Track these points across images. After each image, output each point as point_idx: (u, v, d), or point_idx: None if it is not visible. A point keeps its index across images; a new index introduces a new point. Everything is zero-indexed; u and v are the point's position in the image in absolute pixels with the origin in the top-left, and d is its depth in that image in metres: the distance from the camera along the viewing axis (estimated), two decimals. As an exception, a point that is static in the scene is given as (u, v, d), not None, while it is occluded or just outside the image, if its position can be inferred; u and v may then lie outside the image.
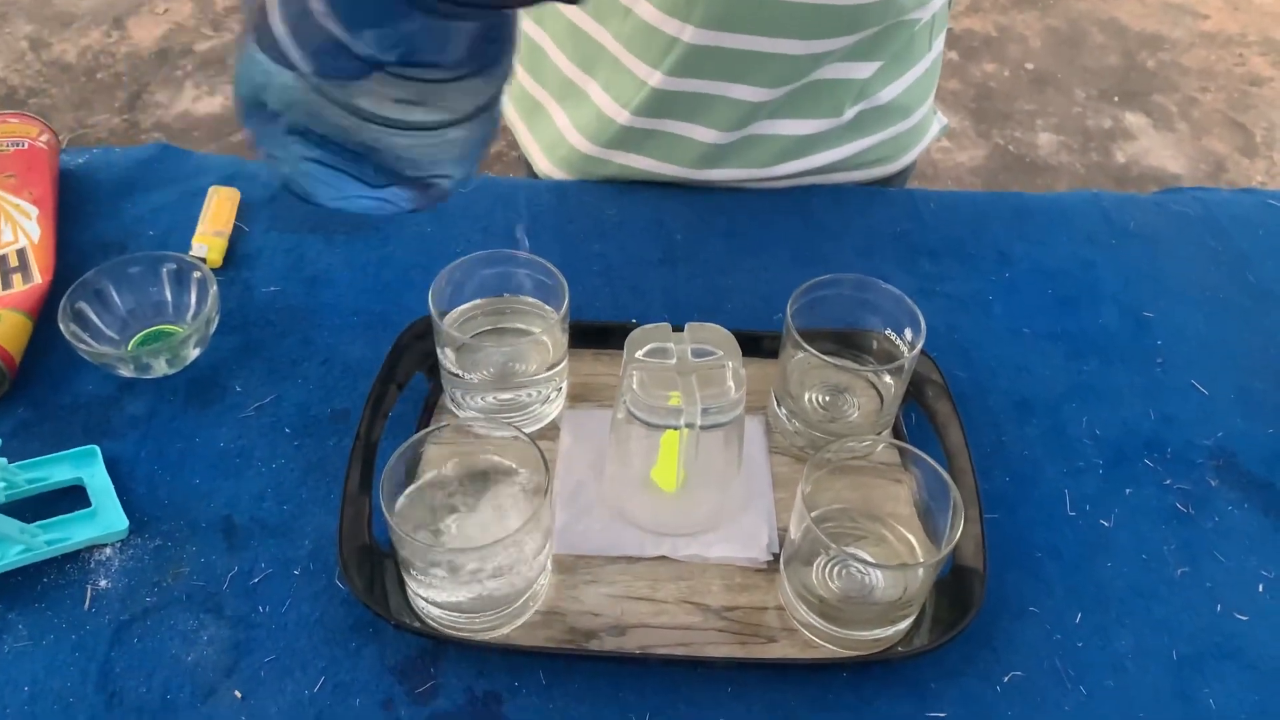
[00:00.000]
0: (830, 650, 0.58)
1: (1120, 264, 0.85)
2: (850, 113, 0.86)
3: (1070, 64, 2.72)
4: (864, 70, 0.83)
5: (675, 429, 0.59)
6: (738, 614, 0.60)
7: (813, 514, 0.55)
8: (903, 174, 0.96)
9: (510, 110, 0.98)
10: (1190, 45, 2.80)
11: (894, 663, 0.58)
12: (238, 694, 0.56)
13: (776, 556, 0.62)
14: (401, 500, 0.57)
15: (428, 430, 0.58)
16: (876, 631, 0.58)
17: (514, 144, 0.99)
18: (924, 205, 0.89)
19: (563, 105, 0.90)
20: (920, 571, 0.55)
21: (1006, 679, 0.58)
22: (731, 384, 0.59)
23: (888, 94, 0.87)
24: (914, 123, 0.92)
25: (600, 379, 0.72)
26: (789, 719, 0.56)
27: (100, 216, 0.81)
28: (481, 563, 0.54)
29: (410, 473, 0.59)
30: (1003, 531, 0.64)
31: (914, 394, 0.70)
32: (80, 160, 0.86)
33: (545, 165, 0.94)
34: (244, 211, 0.82)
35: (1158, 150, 2.46)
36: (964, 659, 0.59)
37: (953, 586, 0.60)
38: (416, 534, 0.58)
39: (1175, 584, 0.63)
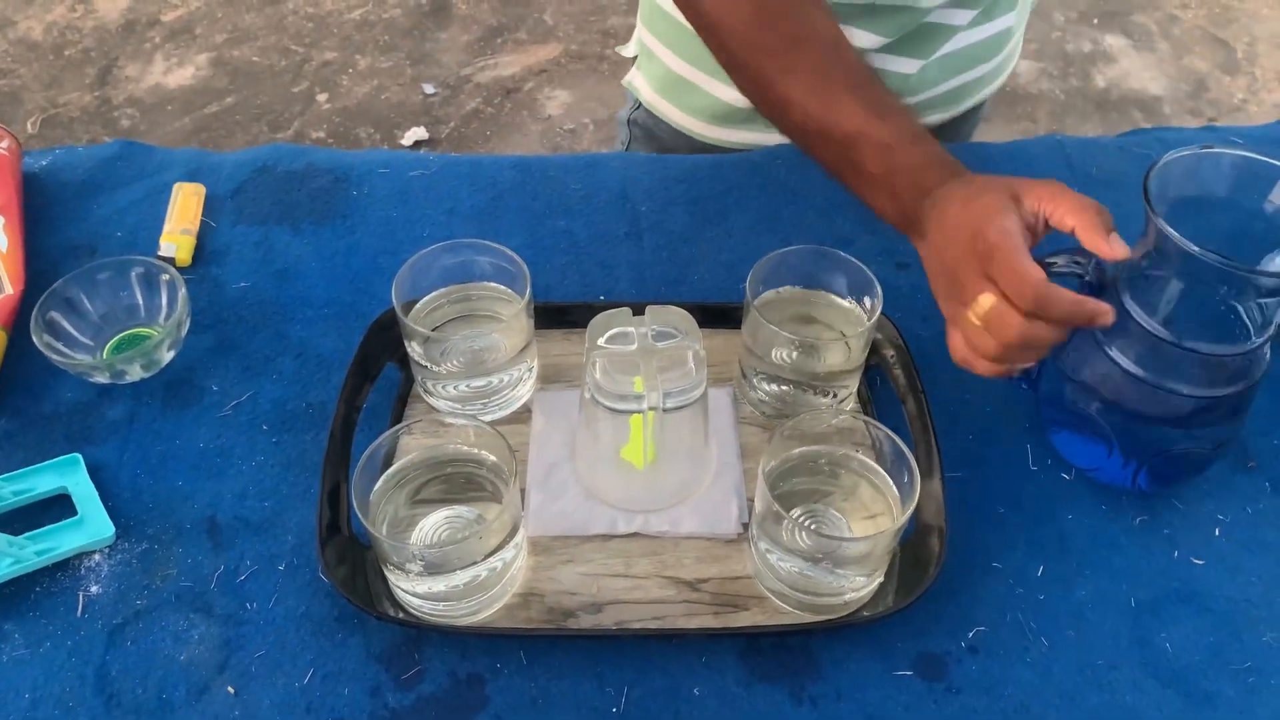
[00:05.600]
0: (799, 616, 0.60)
1: (1082, 211, 0.85)
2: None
3: (1049, -14, 2.68)
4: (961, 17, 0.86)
5: (640, 413, 0.60)
6: (710, 585, 0.62)
7: (780, 471, 0.58)
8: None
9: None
10: (1170, -40, 2.76)
11: (861, 624, 0.60)
12: (231, 689, 0.58)
13: (746, 526, 0.64)
14: (374, 499, 0.59)
15: (397, 428, 0.60)
16: (844, 596, 0.60)
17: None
18: (887, 161, 0.89)
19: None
20: (880, 536, 0.57)
21: (971, 634, 0.60)
22: (692, 365, 0.60)
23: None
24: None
25: (570, 358, 0.73)
26: (761, 685, 0.58)
27: (67, 220, 0.82)
28: (454, 554, 0.56)
29: (383, 469, 0.60)
30: (966, 489, 0.66)
31: (877, 358, 0.71)
32: (43, 162, 0.86)
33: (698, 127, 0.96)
34: (209, 206, 0.83)
35: (1138, 72, 2.44)
36: (929, 617, 0.61)
37: (916, 547, 0.62)
38: (391, 531, 0.60)
39: (1134, 532, 0.65)
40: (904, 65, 0.88)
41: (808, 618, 0.60)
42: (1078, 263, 0.61)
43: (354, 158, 0.88)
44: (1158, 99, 2.36)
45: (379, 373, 0.71)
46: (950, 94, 0.93)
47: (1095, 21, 2.58)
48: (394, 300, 0.65)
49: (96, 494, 0.64)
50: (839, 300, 0.69)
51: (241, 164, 0.87)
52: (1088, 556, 0.64)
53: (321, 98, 2.35)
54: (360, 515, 0.55)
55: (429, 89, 2.37)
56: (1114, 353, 0.60)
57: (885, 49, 0.86)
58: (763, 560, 0.60)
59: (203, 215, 0.82)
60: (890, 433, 0.59)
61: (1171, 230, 0.54)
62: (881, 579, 0.61)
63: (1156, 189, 0.57)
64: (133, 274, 0.73)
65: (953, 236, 0.60)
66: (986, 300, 0.57)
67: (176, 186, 0.83)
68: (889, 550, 0.59)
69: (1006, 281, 0.56)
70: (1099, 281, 0.61)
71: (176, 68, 2.42)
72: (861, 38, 0.84)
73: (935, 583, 0.60)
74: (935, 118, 0.95)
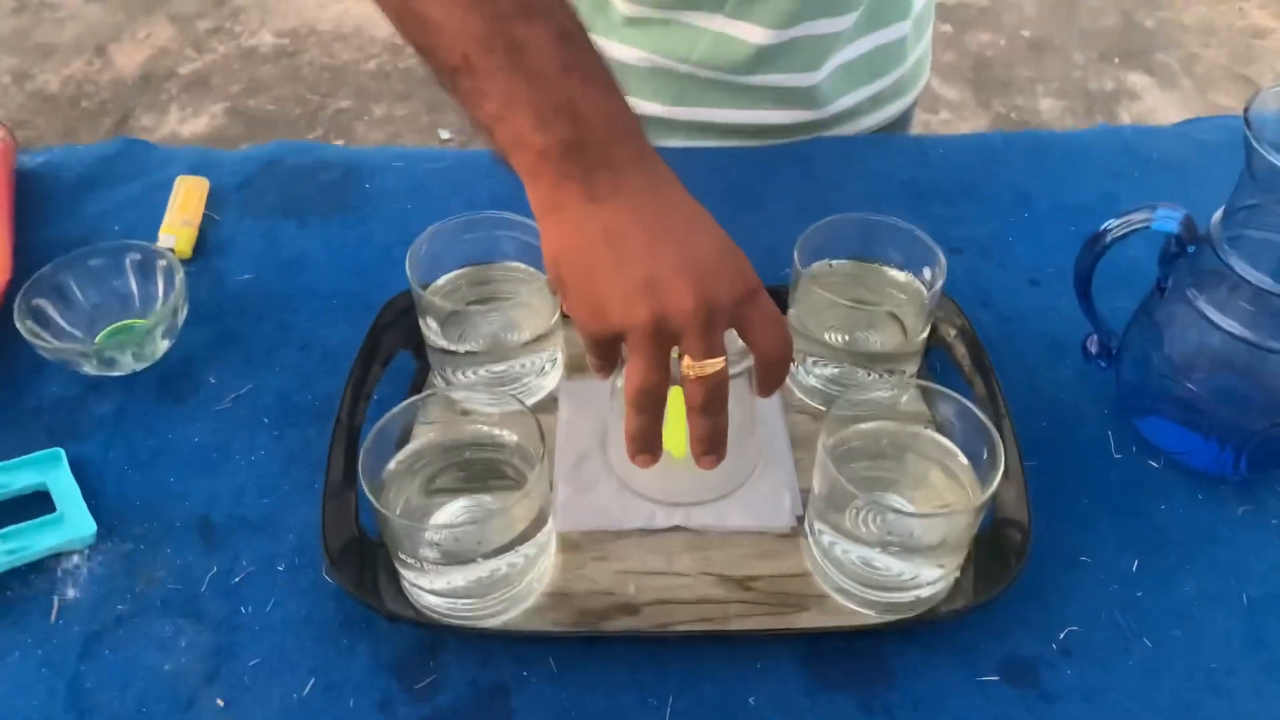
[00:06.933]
0: (866, 615, 0.53)
1: (1145, 194, 0.78)
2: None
3: (1067, 28, 2.66)
4: None
5: (679, 386, 0.54)
6: (762, 583, 0.55)
7: (840, 452, 0.52)
8: (907, 115, 0.93)
9: None
10: (1188, 2, 2.75)
11: (937, 624, 0.53)
12: (220, 702, 0.51)
13: (800, 519, 0.57)
14: (385, 478, 0.52)
15: (408, 401, 0.53)
16: (916, 591, 0.53)
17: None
18: (932, 151, 0.84)
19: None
20: (960, 516, 0.50)
21: (1063, 635, 0.53)
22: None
23: None
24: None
25: (599, 347, 0.67)
26: (826, 693, 0.51)
27: (62, 214, 0.77)
28: (475, 540, 0.49)
29: (395, 450, 0.54)
30: (1045, 479, 0.59)
31: (937, 340, 0.65)
32: (39, 160, 0.81)
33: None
34: (214, 200, 0.78)
35: (1163, 108, 2.40)
36: (1014, 617, 0.54)
37: (995, 540, 0.55)
38: (403, 515, 0.53)
39: (1237, 522, 0.58)
40: (798, 79, 0.82)
41: (877, 618, 0.53)
42: (1170, 217, 0.55)
43: (365, 153, 0.83)
44: (1186, 133, 2.32)
45: (390, 360, 0.64)
46: (856, 108, 0.87)
47: (1116, 61, 2.55)
48: (408, 275, 0.60)
49: (78, 490, 0.58)
50: (895, 274, 0.63)
51: (248, 159, 0.82)
52: (1188, 550, 0.57)
53: (337, 144, 2.33)
54: (369, 495, 0.49)
55: (445, 134, 2.35)
56: (1213, 314, 0.54)
57: (774, 61, 0.80)
58: (824, 553, 0.53)
59: (206, 209, 0.77)
60: (965, 400, 0.53)
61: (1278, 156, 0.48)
62: (957, 574, 0.54)
63: (1256, 122, 0.51)
64: (128, 260, 0.67)
65: (698, 233, 0.51)
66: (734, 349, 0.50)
67: (179, 179, 0.78)
68: (966, 539, 0.52)
69: (774, 321, 0.50)
70: (1189, 237, 0.55)
71: (192, 117, 2.41)
72: (753, 32, 0.78)
73: (1018, 579, 0.52)
74: (847, 130, 0.89)
